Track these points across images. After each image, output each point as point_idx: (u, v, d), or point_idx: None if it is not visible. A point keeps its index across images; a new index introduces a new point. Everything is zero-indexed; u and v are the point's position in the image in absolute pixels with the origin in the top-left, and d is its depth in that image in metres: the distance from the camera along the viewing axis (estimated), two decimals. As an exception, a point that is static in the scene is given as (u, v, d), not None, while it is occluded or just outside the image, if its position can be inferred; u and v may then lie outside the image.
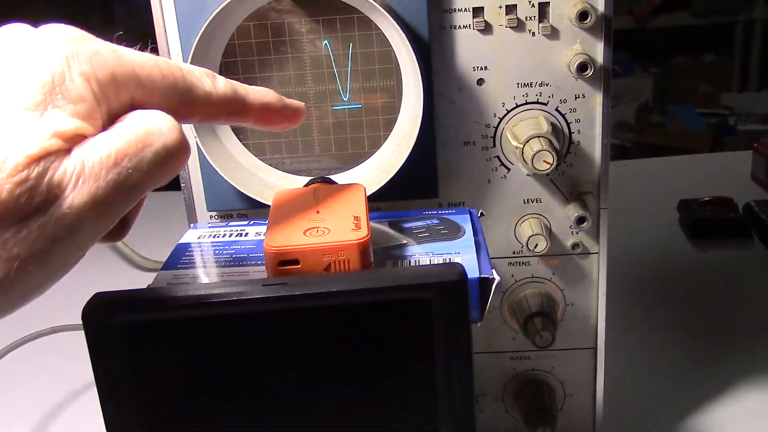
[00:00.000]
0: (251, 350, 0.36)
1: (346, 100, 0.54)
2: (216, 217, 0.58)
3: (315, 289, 0.35)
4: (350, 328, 0.36)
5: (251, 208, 0.56)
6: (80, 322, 0.35)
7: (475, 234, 0.46)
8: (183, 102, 0.35)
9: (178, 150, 0.32)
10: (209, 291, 0.35)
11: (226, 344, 0.36)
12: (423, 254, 0.44)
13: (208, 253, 0.47)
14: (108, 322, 0.35)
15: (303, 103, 0.42)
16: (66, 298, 0.92)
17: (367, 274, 0.37)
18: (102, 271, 0.98)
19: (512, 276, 0.58)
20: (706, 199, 0.99)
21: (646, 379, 0.70)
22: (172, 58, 0.54)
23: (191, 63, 0.51)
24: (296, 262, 0.39)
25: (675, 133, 2.89)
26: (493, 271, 0.42)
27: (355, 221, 0.41)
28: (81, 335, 0.35)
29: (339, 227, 0.40)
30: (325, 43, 0.53)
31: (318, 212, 0.42)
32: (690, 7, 2.94)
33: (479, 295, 0.41)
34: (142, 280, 0.95)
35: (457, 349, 0.37)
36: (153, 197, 1.19)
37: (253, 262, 0.45)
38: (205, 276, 0.44)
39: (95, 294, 0.36)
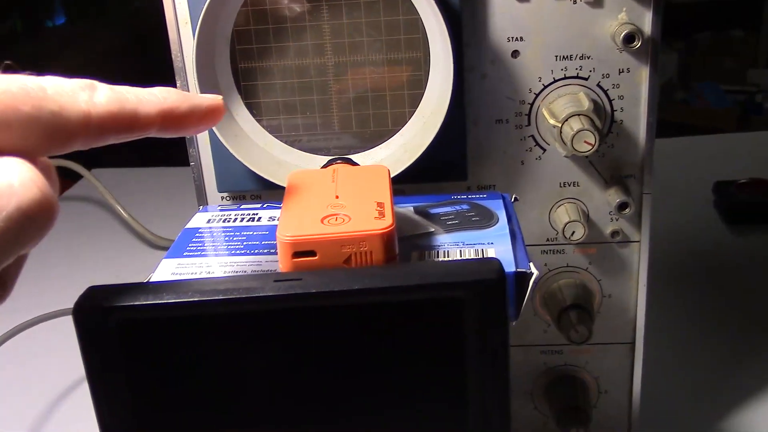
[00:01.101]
0: (260, 352, 0.33)
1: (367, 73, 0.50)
2: (228, 198, 0.54)
3: (333, 286, 0.31)
4: (372, 330, 0.32)
5: (265, 189, 0.52)
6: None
7: (510, 221, 0.42)
8: (51, 132, 0.28)
9: (38, 210, 0.26)
10: (214, 287, 0.31)
11: (232, 345, 0.32)
12: (453, 245, 0.40)
13: (217, 240, 0.43)
14: (102, 320, 0.31)
15: (220, 97, 0.34)
16: (80, 276, 0.89)
17: (392, 269, 0.33)
18: (114, 249, 0.95)
19: (545, 265, 0.54)
20: (744, 181, 0.94)
21: (684, 375, 0.66)
22: (179, 25, 0.49)
23: (200, 31, 0.47)
24: (313, 253, 0.35)
25: (700, 111, 2.81)
26: (531, 264, 0.37)
27: (378, 208, 0.37)
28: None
29: (360, 215, 0.36)
30: (347, 10, 0.48)
31: (337, 197, 0.38)
32: (717, -20, 2.86)
33: (515, 291, 0.37)
34: (154, 257, 0.92)
35: (491, 354, 0.33)
36: (165, 173, 1.15)
37: (266, 251, 0.41)
38: (213, 266, 0.40)
39: (88, 288, 0.32)
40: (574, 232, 0.50)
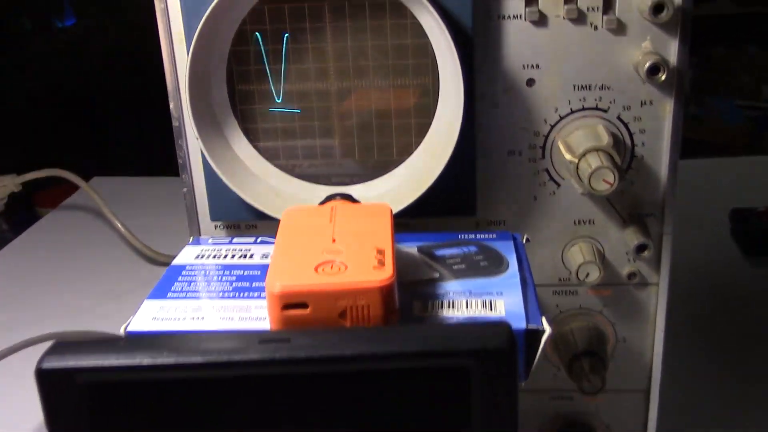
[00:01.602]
0: (242, 418, 0.29)
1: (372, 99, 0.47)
2: (221, 227, 0.51)
3: (325, 351, 0.28)
4: (368, 398, 0.29)
5: (261, 219, 0.49)
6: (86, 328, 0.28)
7: (521, 267, 0.39)
8: None
9: None
10: (193, 346, 0.28)
11: (211, 409, 0.29)
12: (459, 293, 0.36)
13: (205, 280, 0.40)
14: (68, 381, 0.28)
15: None
16: (73, 292, 0.86)
17: (390, 333, 0.30)
18: (110, 263, 0.92)
19: (557, 306, 0.50)
20: (763, 209, 0.91)
21: (701, 424, 0.62)
22: (174, 41, 0.47)
23: (194, 49, 0.44)
24: (304, 305, 0.32)
25: (711, 128, 2.77)
26: (543, 319, 0.34)
27: (378, 255, 0.33)
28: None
29: (358, 263, 0.33)
30: (351, 33, 0.45)
31: (334, 241, 0.35)
32: (733, -5, 2.82)
33: (525, 350, 0.34)
34: (151, 273, 0.89)
35: (499, 422, 0.30)
36: (170, 182, 1.11)
37: (256, 294, 0.38)
38: (198, 311, 0.37)
39: (53, 344, 0.29)
40: (588, 274, 0.47)
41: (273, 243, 0.43)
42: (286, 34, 0.46)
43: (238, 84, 0.47)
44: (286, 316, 0.32)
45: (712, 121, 2.84)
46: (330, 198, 0.41)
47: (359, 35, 0.45)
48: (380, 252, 0.34)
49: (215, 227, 0.51)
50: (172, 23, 0.46)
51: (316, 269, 0.33)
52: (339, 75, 0.46)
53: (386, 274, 0.32)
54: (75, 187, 1.06)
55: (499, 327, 0.29)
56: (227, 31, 0.45)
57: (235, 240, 0.44)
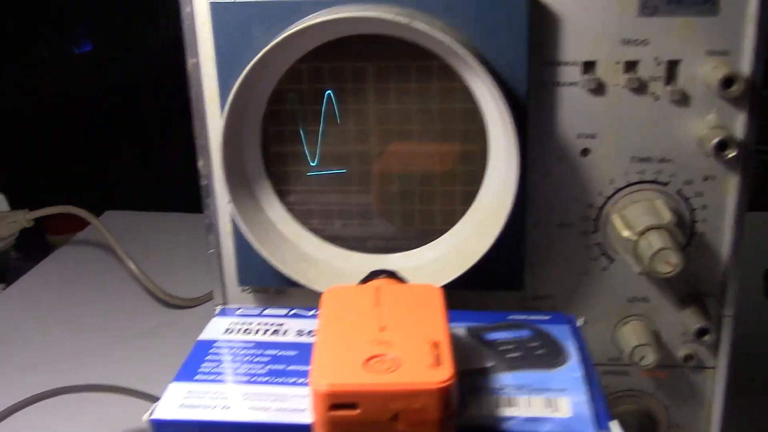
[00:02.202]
0: None
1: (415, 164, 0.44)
2: (249, 291, 0.48)
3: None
4: None
5: (291, 286, 0.46)
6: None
7: (583, 359, 0.36)
8: None
9: None
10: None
11: None
12: (517, 389, 0.33)
13: (235, 360, 0.37)
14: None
15: None
16: (80, 337, 0.83)
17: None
18: (120, 303, 0.89)
19: (605, 387, 0.47)
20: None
21: None
22: (205, 99, 0.44)
23: (229, 111, 0.41)
24: (353, 406, 0.29)
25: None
26: (613, 425, 0.31)
27: (434, 350, 0.30)
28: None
29: (412, 358, 0.30)
30: (395, 95, 0.43)
31: (383, 329, 0.32)
32: None
33: (594, 457, 0.31)
34: (163, 316, 0.86)
35: None
36: (175, 219, 1.08)
37: (292, 380, 0.35)
38: (229, 398, 0.34)
39: None
40: (644, 358, 0.44)
41: (307, 317, 0.40)
42: (328, 92, 0.43)
43: (272, 145, 0.45)
44: (332, 417, 0.29)
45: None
46: (373, 275, 0.38)
47: (404, 98, 0.43)
48: (436, 345, 0.31)
49: (242, 290, 0.48)
50: (204, 80, 0.44)
51: (365, 364, 0.30)
52: (381, 138, 0.44)
53: (445, 374, 0.29)
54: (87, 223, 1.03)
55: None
56: (263, 91, 0.43)
57: (265, 312, 0.41)
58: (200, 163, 0.45)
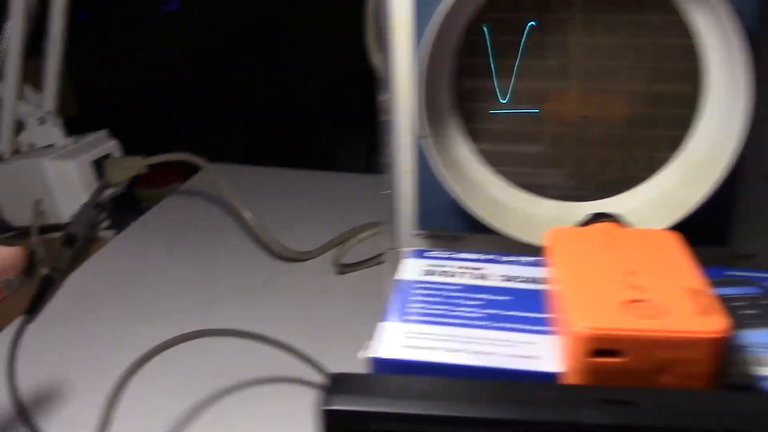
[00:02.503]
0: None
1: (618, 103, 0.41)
2: (420, 236, 0.46)
3: (685, 421, 0.22)
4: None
5: (468, 232, 0.44)
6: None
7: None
8: None
9: None
10: (511, 398, 0.23)
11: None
12: (763, 348, 0.30)
13: (448, 303, 0.34)
14: (362, 428, 0.23)
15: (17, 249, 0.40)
16: (198, 289, 0.82)
17: (737, 398, 0.24)
18: (230, 255, 0.87)
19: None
20: None
21: None
22: (394, 26, 0.41)
23: (436, 35, 0.38)
24: (617, 353, 0.26)
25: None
26: None
27: (697, 298, 0.28)
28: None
29: (678, 304, 0.27)
30: (603, 28, 0.40)
31: (631, 274, 0.29)
32: None
33: None
34: (276, 269, 0.84)
35: None
36: (275, 173, 1.05)
37: (519, 326, 0.32)
38: (451, 340, 0.32)
39: (335, 380, 0.24)
40: None
41: (506, 262, 0.37)
42: (530, 23, 0.40)
43: (464, 79, 0.42)
44: (592, 363, 0.26)
45: None
46: (595, 219, 0.35)
47: (612, 31, 0.40)
48: (695, 293, 0.28)
49: (415, 234, 0.46)
50: (394, 6, 0.41)
51: (625, 308, 0.27)
52: (582, 75, 0.41)
53: (719, 323, 0.26)
54: (176, 175, 1.02)
55: None
56: (462, 18, 0.40)
57: (458, 256, 0.39)
58: (385, 98, 0.43)
